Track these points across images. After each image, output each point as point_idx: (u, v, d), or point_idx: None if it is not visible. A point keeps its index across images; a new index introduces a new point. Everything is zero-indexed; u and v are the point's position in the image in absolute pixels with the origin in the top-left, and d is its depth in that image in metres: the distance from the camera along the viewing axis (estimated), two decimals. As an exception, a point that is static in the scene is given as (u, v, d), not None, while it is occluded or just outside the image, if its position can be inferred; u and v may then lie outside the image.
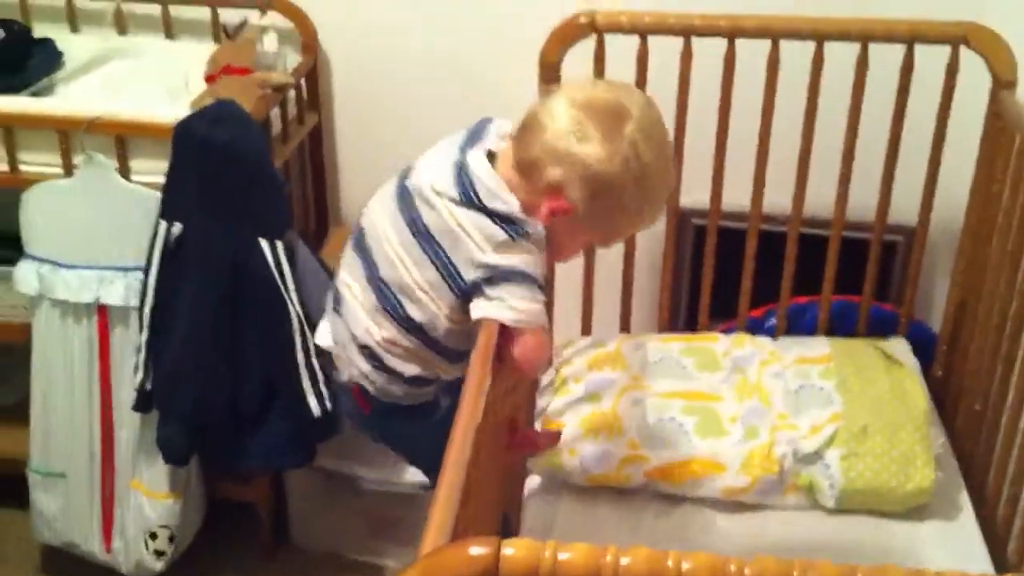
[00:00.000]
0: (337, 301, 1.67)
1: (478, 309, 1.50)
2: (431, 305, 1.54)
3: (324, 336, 1.74)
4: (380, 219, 1.59)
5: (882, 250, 2.29)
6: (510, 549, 0.93)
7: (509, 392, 1.79)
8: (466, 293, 1.51)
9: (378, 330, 1.59)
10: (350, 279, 1.64)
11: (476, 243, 1.48)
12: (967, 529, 1.91)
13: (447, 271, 1.51)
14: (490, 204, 1.48)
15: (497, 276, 1.48)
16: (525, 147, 1.49)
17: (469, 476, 1.25)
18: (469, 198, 1.49)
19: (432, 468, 1.82)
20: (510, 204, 1.48)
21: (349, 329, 1.64)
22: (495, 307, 1.48)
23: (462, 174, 1.51)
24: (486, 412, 1.51)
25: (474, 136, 1.58)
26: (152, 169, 2.25)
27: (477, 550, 0.94)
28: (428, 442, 1.67)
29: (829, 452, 1.93)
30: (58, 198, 2.28)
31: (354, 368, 1.65)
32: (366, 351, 1.61)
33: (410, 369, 1.61)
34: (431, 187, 1.53)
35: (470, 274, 1.49)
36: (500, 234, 1.48)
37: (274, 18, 2.52)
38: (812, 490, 1.94)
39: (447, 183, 1.51)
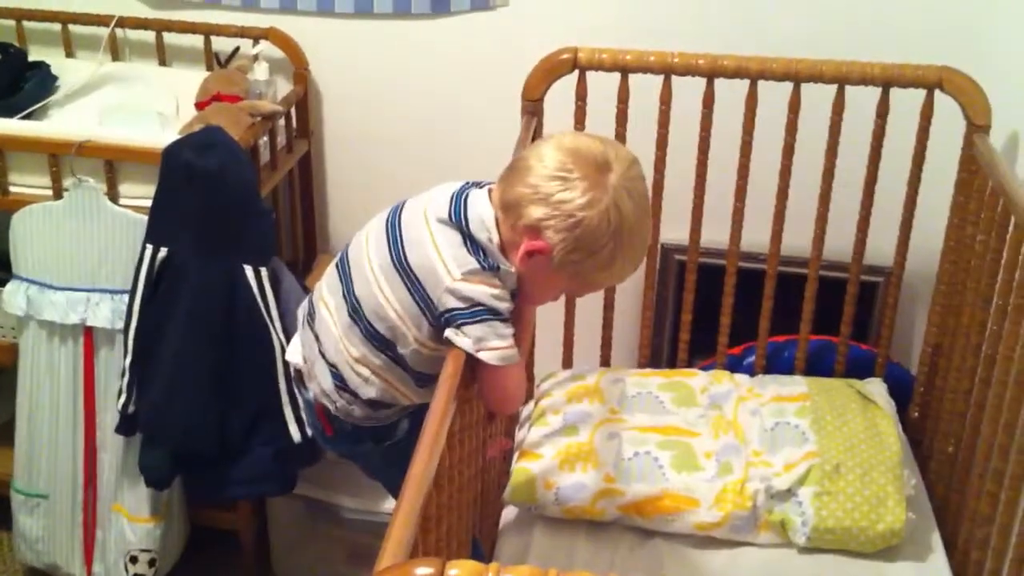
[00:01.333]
0: (311, 316, 1.70)
1: (451, 337, 1.53)
2: (401, 327, 1.57)
3: (295, 353, 1.76)
4: (368, 238, 1.63)
5: (862, 291, 2.31)
6: (455, 570, 0.95)
7: (485, 422, 1.81)
8: (439, 321, 1.53)
9: (349, 347, 1.62)
10: (327, 294, 1.67)
11: (447, 267, 1.51)
12: (939, 571, 1.90)
13: (422, 300, 1.54)
14: (475, 232, 1.53)
15: (466, 312, 1.51)
16: (510, 186, 1.53)
17: (431, 500, 1.27)
18: (457, 220, 1.53)
19: (393, 487, 1.84)
20: (492, 238, 1.53)
21: (319, 344, 1.66)
22: (469, 345, 1.51)
23: (459, 200, 1.56)
24: (460, 439, 1.53)
25: (476, 183, 1.62)
26: (140, 193, 2.28)
27: (423, 570, 0.96)
28: (387, 464, 1.69)
29: (802, 490, 1.94)
30: (47, 220, 2.30)
31: (318, 386, 1.68)
32: (333, 369, 1.64)
33: (370, 392, 1.63)
34: (423, 211, 1.57)
35: (442, 303, 1.52)
36: (472, 262, 1.51)
37: (266, 47, 2.55)
38: (784, 527, 1.94)
39: (440, 206, 1.56)
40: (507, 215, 1.53)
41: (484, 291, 1.51)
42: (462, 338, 1.51)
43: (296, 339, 1.77)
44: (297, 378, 1.79)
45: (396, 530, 1.12)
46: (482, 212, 1.55)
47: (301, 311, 1.76)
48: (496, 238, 1.54)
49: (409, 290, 1.54)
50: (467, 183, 1.62)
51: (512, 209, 1.52)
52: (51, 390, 2.41)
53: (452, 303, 1.51)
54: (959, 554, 1.94)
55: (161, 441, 2.29)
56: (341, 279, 1.64)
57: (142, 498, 2.42)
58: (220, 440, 2.27)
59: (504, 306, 1.53)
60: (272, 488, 2.39)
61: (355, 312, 1.60)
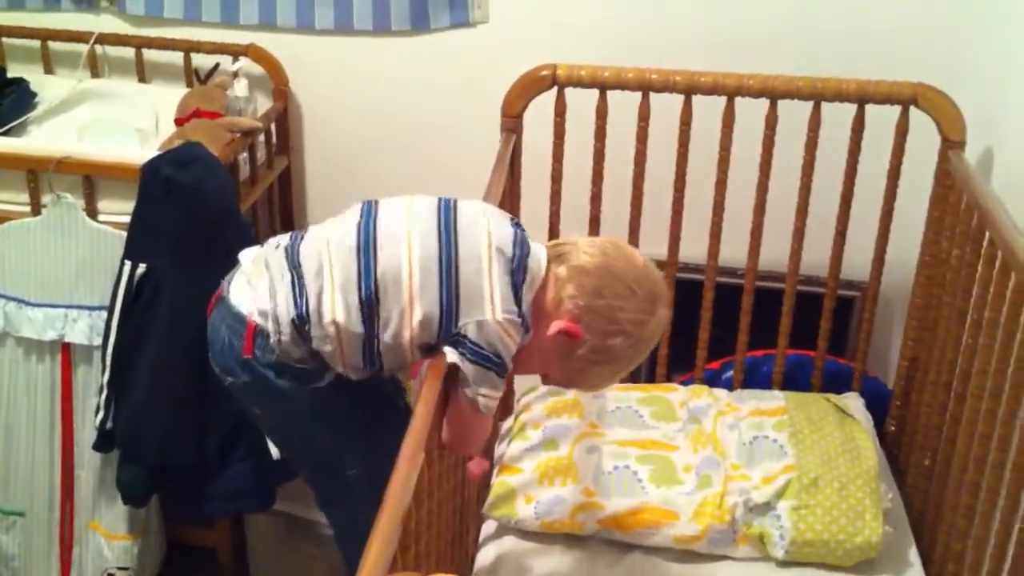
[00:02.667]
0: (295, 247, 1.61)
1: (454, 359, 1.52)
2: (404, 319, 1.54)
3: (247, 257, 1.69)
4: (409, 219, 1.58)
5: (839, 305, 2.32)
6: (431, 585, 0.95)
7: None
8: (447, 336, 1.52)
9: (335, 304, 1.54)
10: (334, 241, 1.58)
11: (493, 302, 1.51)
12: (915, 584, 1.92)
13: (447, 309, 1.52)
14: (525, 288, 1.54)
15: (480, 352, 1.51)
16: (573, 263, 1.58)
17: (410, 515, 1.27)
18: (517, 266, 1.54)
19: (289, 442, 1.77)
20: (530, 299, 1.56)
21: (297, 276, 1.58)
22: (468, 378, 1.51)
23: (523, 247, 1.57)
24: (439, 454, 1.54)
25: (520, 226, 1.63)
26: (119, 209, 2.28)
27: (399, 584, 0.96)
28: (291, 407, 1.64)
29: (780, 503, 1.95)
30: (25, 237, 2.30)
31: (271, 309, 1.58)
32: (300, 311, 1.55)
33: (324, 347, 1.57)
34: (486, 232, 1.56)
35: (464, 328, 1.51)
36: (515, 314, 1.52)
37: (246, 64, 2.56)
38: (763, 541, 1.94)
39: (503, 238, 1.56)
40: (557, 287, 1.57)
41: (507, 343, 1.52)
42: (465, 364, 1.51)
43: (255, 249, 1.69)
44: (230, 284, 1.68)
45: (375, 545, 1.13)
46: (537, 272, 1.57)
47: (276, 239, 1.67)
48: (531, 299, 1.56)
49: (440, 295, 1.52)
50: (518, 223, 1.62)
51: (565, 286, 1.56)
52: (28, 407, 2.40)
53: (474, 335, 1.50)
54: (936, 567, 1.96)
55: (138, 457, 2.28)
56: (362, 239, 1.56)
57: (119, 515, 2.41)
58: (198, 456, 2.26)
59: (509, 364, 1.55)
60: (251, 504, 2.38)
61: (365, 277, 1.54)
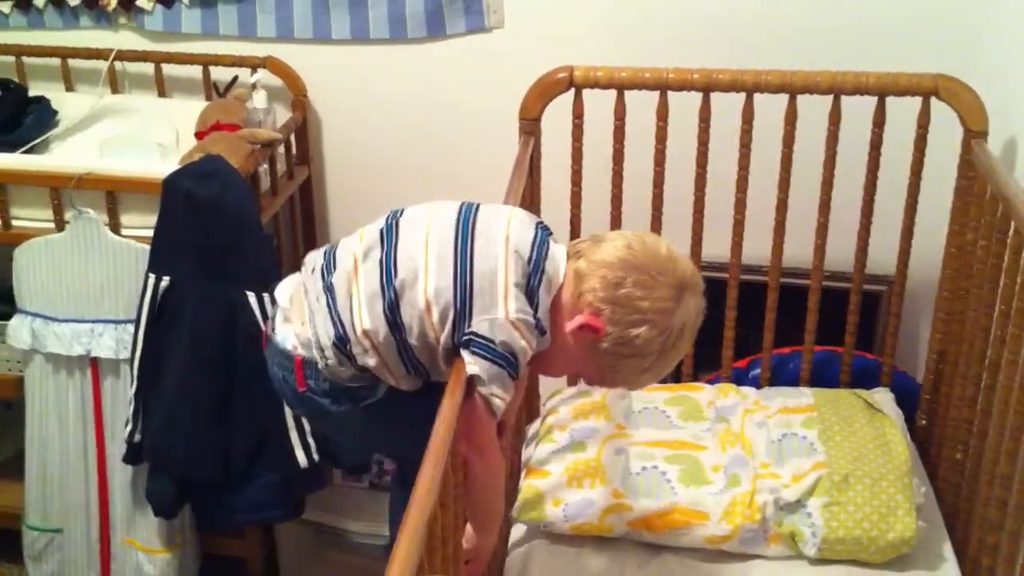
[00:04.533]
0: (328, 268, 1.62)
1: (466, 360, 1.51)
2: (425, 322, 1.54)
3: (283, 292, 1.68)
4: (429, 223, 1.59)
5: (865, 300, 2.31)
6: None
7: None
8: (461, 339, 1.52)
9: (364, 316, 1.55)
10: (361, 255, 1.59)
11: (507, 302, 1.51)
12: (950, 579, 1.90)
13: (461, 311, 1.52)
14: (541, 291, 1.54)
15: (491, 349, 1.50)
16: (591, 257, 1.56)
17: (436, 519, 1.27)
18: (534, 268, 1.54)
19: (354, 449, 1.78)
20: (548, 301, 1.55)
21: (331, 297, 1.59)
22: (479, 377, 1.51)
23: (541, 250, 1.56)
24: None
25: (547, 228, 1.63)
26: (142, 223, 2.30)
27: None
28: (369, 421, 1.65)
29: (811, 501, 1.93)
30: (49, 253, 2.32)
31: (314, 337, 1.59)
32: (339, 330, 1.57)
33: (368, 361, 1.58)
34: (504, 235, 1.56)
35: (477, 326, 1.51)
36: (529, 316, 1.52)
37: (264, 76, 2.57)
38: (794, 539, 1.93)
39: (522, 242, 1.56)
40: (577, 283, 1.55)
41: (519, 343, 1.51)
42: (479, 361, 1.50)
43: (291, 280, 1.70)
44: (274, 320, 1.69)
45: (402, 549, 1.12)
46: (555, 273, 1.56)
47: (312, 259, 1.68)
48: (549, 301, 1.55)
49: (455, 296, 1.52)
50: (544, 227, 1.62)
51: (585, 280, 1.55)
52: (60, 423, 2.42)
53: (486, 332, 1.50)
54: (970, 561, 1.94)
55: (164, 468, 2.30)
56: (385, 248, 1.58)
57: (153, 529, 2.42)
58: (224, 467, 2.27)
59: (522, 367, 1.54)
60: (279, 514, 2.39)
61: (385, 282, 1.55)
